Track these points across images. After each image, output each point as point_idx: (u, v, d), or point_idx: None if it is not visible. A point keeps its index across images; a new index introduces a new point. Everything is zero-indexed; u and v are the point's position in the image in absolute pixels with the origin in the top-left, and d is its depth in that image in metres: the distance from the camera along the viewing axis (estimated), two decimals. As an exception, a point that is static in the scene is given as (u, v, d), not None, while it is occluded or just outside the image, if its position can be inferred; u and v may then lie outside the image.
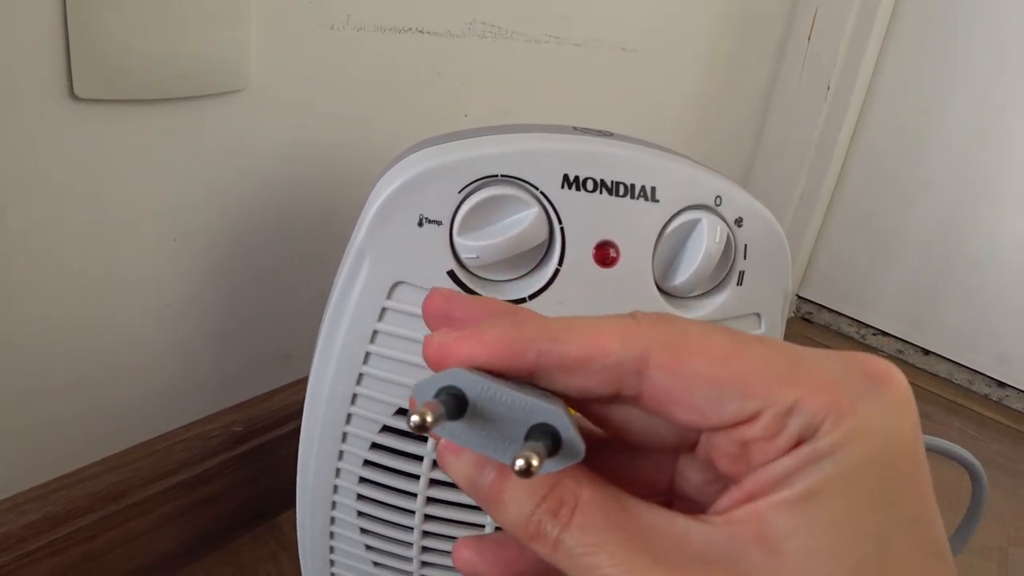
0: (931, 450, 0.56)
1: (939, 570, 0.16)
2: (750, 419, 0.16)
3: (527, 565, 0.20)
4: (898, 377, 0.17)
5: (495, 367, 0.18)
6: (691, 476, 0.20)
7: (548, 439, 0.17)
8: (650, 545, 0.16)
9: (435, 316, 0.20)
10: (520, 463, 0.16)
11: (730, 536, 0.16)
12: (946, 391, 1.05)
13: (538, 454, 0.16)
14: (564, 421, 0.17)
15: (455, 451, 0.19)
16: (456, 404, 0.18)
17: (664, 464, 0.20)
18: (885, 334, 1.11)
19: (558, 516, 0.17)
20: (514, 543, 0.20)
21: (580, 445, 0.17)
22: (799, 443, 0.16)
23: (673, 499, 0.21)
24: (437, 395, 0.18)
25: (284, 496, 0.57)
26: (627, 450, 0.20)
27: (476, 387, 0.18)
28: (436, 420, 0.17)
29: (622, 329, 0.17)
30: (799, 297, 1.18)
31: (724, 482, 0.18)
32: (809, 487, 0.16)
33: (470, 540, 0.21)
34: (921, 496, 0.16)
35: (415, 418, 0.16)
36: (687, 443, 0.19)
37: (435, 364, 0.18)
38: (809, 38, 0.94)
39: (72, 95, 0.38)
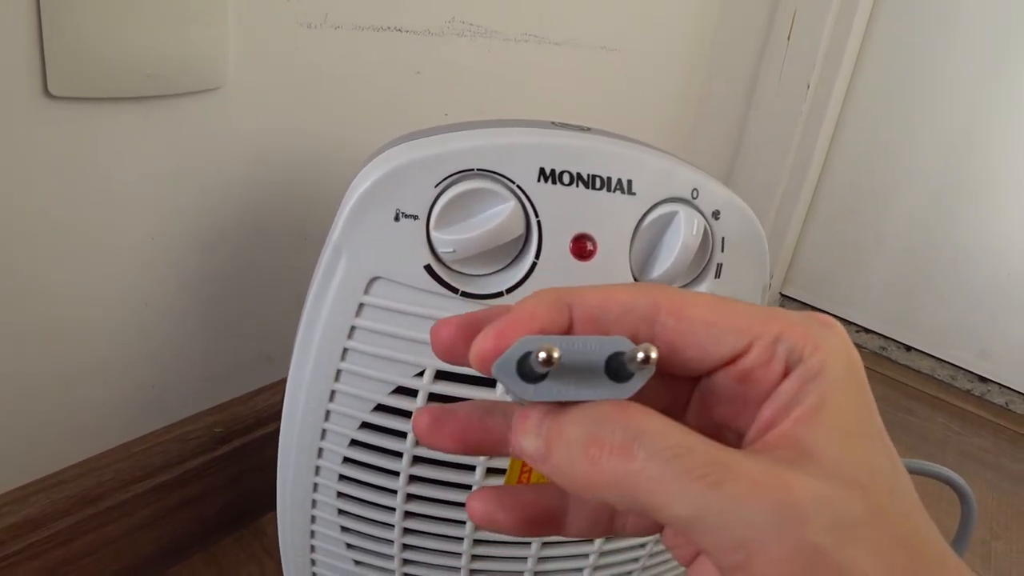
0: (924, 473, 0.56)
1: (898, 455, 0.20)
2: (745, 351, 0.20)
3: (541, 509, 0.23)
4: (839, 324, 0.21)
5: (545, 331, 0.20)
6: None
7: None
8: (724, 449, 0.18)
9: (453, 342, 0.21)
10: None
11: (774, 457, 0.19)
12: (929, 387, 1.06)
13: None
14: (629, 343, 0.19)
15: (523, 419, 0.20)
16: (535, 371, 0.19)
17: (668, 392, 0.23)
18: (868, 331, 1.12)
19: (629, 426, 0.18)
20: (528, 490, 0.23)
21: (654, 362, 0.18)
22: (787, 368, 0.20)
23: None
24: (519, 366, 0.19)
25: (266, 497, 0.56)
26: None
27: (557, 342, 0.19)
28: (558, 358, 0.18)
29: (632, 287, 0.21)
30: (782, 295, 1.18)
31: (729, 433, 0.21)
32: (816, 399, 0.19)
33: (485, 491, 0.23)
34: (872, 397, 0.20)
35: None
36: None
37: (496, 349, 0.19)
38: (789, 38, 0.95)
39: (47, 93, 0.38)
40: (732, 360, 0.20)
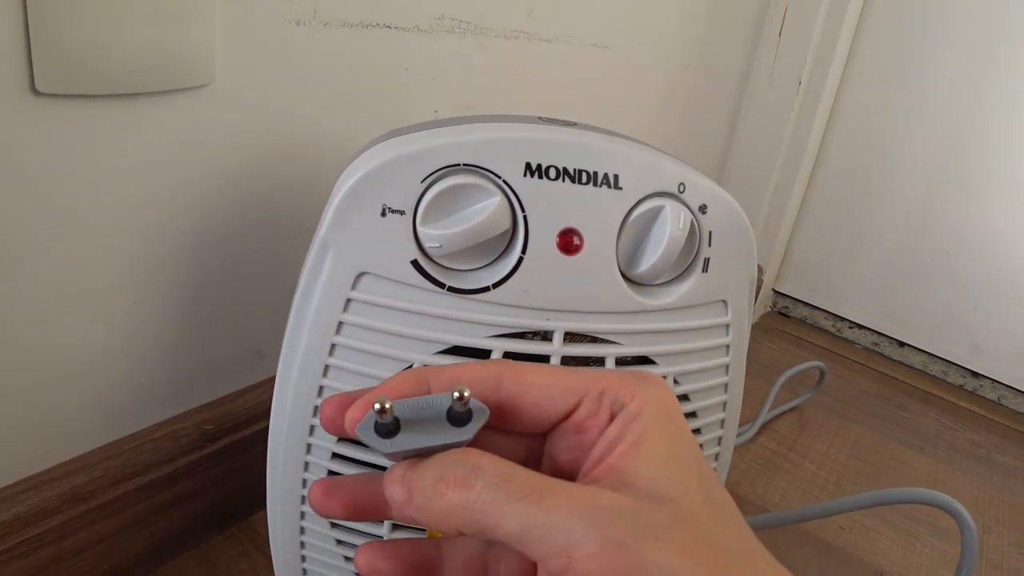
0: (923, 502, 0.56)
1: (718, 481, 0.24)
2: (576, 406, 0.24)
3: (418, 558, 0.27)
4: (658, 377, 0.26)
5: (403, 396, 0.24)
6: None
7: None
8: (548, 477, 0.22)
9: (334, 416, 0.25)
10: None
11: (596, 484, 0.22)
12: (922, 382, 1.06)
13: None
14: (469, 395, 0.23)
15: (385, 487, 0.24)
16: (389, 426, 0.23)
17: (523, 447, 0.27)
18: (861, 327, 1.12)
19: (468, 462, 0.22)
20: (406, 543, 0.27)
21: (485, 407, 0.23)
22: (612, 416, 0.24)
23: None
24: (376, 426, 0.23)
25: (257, 495, 0.56)
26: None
27: (401, 403, 0.23)
28: (390, 407, 0.22)
29: (481, 363, 0.25)
30: (775, 291, 1.19)
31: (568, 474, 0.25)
32: (635, 438, 0.23)
33: (368, 545, 0.27)
34: (691, 435, 0.24)
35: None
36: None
37: (362, 416, 0.23)
38: (780, 34, 0.95)
39: (33, 90, 0.38)
40: (567, 415, 0.24)
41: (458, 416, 0.23)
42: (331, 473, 0.38)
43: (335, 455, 0.38)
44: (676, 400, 0.25)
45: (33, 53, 0.37)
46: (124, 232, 0.45)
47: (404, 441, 0.23)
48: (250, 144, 0.49)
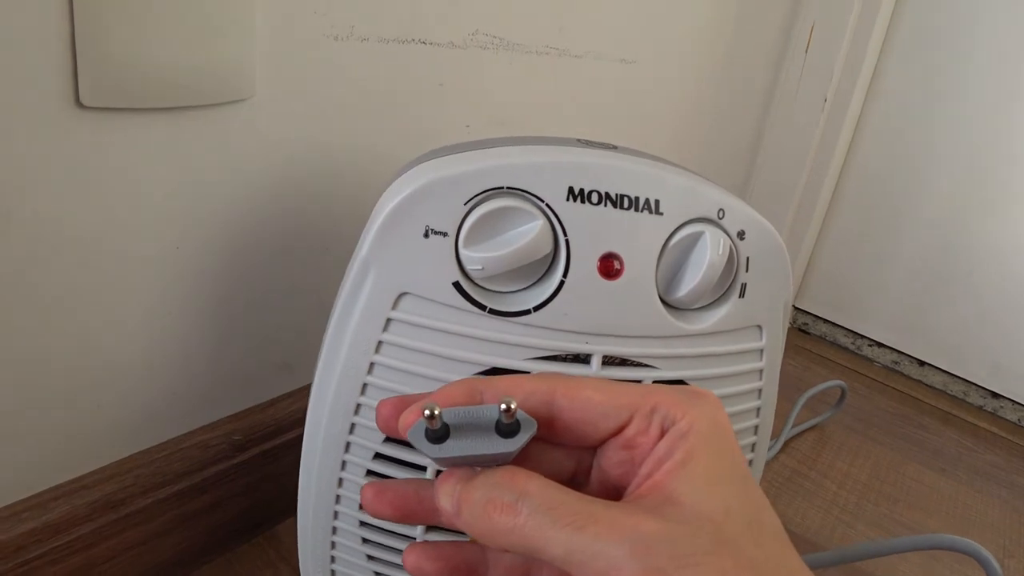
0: (947, 548, 0.55)
1: (766, 499, 0.24)
2: (627, 422, 0.25)
3: (462, 561, 0.27)
4: (710, 393, 0.26)
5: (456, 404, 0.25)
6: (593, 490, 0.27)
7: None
8: (593, 502, 0.22)
9: (389, 417, 0.26)
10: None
11: (644, 503, 0.23)
12: (941, 402, 1.05)
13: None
14: (515, 408, 0.23)
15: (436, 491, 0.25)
16: (439, 432, 0.23)
17: (573, 460, 0.27)
18: (881, 345, 1.11)
19: (515, 488, 0.23)
20: (451, 545, 0.28)
21: (533, 421, 0.24)
22: (663, 433, 0.24)
23: None
24: (426, 432, 0.23)
25: (283, 506, 0.57)
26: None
27: (451, 411, 0.24)
28: (439, 414, 0.23)
29: (535, 377, 0.25)
30: (795, 308, 1.18)
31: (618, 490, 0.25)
32: (682, 456, 0.23)
33: (416, 545, 0.27)
34: (740, 452, 0.24)
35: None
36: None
37: (412, 418, 0.24)
38: (807, 51, 0.95)
39: (78, 103, 0.38)
40: (618, 431, 0.25)
41: (506, 428, 0.23)
42: (365, 490, 0.38)
43: (370, 472, 0.38)
44: (727, 418, 0.25)
45: (79, 66, 0.37)
46: (160, 244, 0.45)
47: (452, 448, 0.23)
48: (286, 158, 0.49)
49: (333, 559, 0.42)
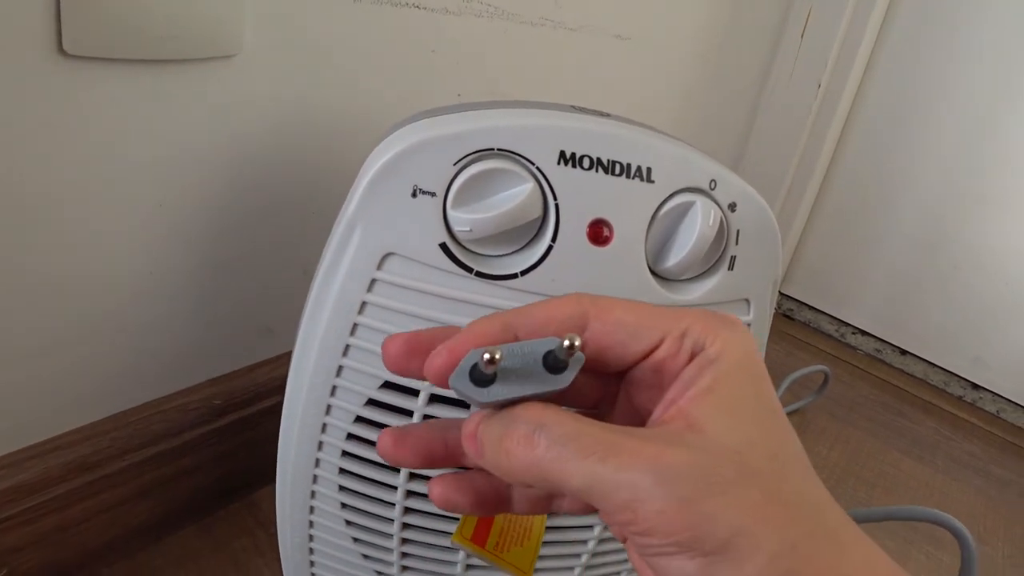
0: (925, 519, 0.56)
1: (792, 431, 0.23)
2: (657, 344, 0.24)
3: (490, 491, 0.27)
4: (740, 320, 0.25)
5: (491, 343, 0.23)
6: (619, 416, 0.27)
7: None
8: (616, 431, 0.22)
9: (399, 355, 0.25)
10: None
11: (667, 429, 0.22)
12: (922, 391, 1.06)
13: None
14: (558, 341, 0.22)
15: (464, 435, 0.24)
16: (487, 375, 0.22)
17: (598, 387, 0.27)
18: (864, 333, 1.12)
19: (538, 422, 0.22)
20: (478, 475, 0.27)
21: (580, 353, 0.22)
22: (692, 357, 0.23)
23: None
24: (471, 374, 0.22)
25: (261, 471, 0.56)
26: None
27: (505, 350, 0.22)
28: (500, 357, 0.21)
29: (565, 300, 0.25)
30: (781, 294, 1.18)
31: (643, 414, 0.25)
32: (709, 382, 0.23)
33: (443, 477, 0.27)
34: (769, 383, 0.24)
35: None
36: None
37: (448, 363, 0.23)
38: (802, 36, 0.95)
39: (61, 51, 0.37)
40: (648, 354, 0.24)
41: (555, 363, 0.23)
42: (346, 454, 0.38)
43: (350, 436, 0.38)
44: (756, 347, 0.24)
45: (62, 14, 0.36)
46: (142, 199, 0.44)
47: (500, 391, 0.22)
48: (273, 118, 0.48)
49: (312, 524, 0.41)
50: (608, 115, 0.37)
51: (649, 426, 0.24)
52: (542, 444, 0.21)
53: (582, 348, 0.22)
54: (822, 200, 1.10)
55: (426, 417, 0.36)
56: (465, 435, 0.24)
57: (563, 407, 0.23)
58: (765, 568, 0.20)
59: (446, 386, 0.23)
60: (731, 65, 0.94)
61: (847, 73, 0.96)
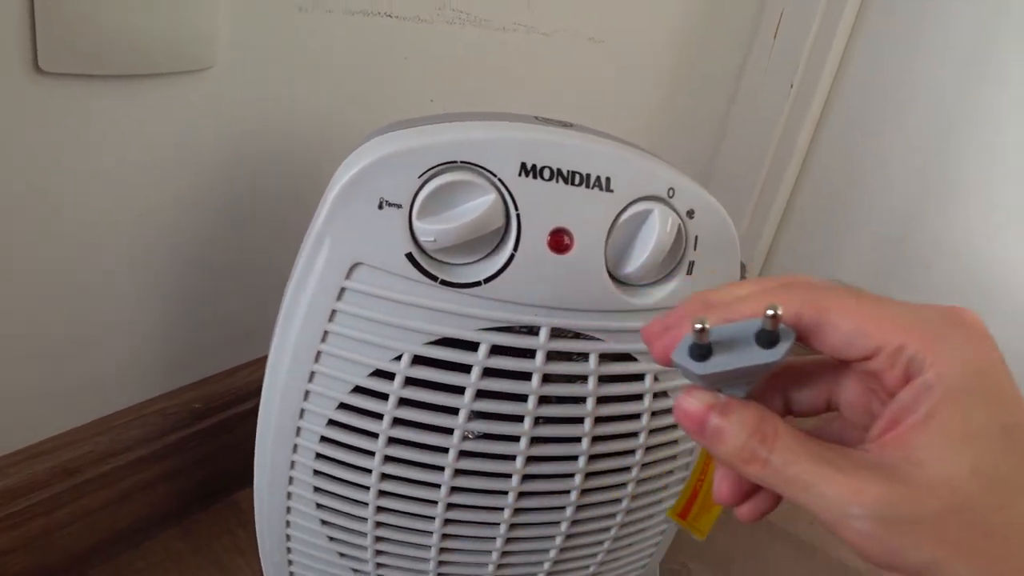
0: None
1: None
2: (873, 354, 0.24)
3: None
4: (974, 317, 0.24)
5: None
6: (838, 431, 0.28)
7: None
8: (830, 458, 0.23)
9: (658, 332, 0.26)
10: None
11: (882, 456, 0.23)
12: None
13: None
14: (781, 314, 0.23)
15: (684, 410, 0.25)
16: (703, 349, 0.24)
17: (820, 398, 0.28)
18: (840, 329, 1.13)
19: (765, 442, 0.24)
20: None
21: (790, 329, 0.24)
22: (908, 375, 0.23)
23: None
24: (690, 351, 0.24)
25: (242, 474, 0.57)
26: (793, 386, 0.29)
27: (716, 327, 0.24)
28: (707, 328, 0.23)
29: (782, 291, 0.25)
30: (759, 291, 1.20)
31: (862, 430, 0.26)
32: (927, 411, 0.22)
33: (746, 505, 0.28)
34: (1010, 398, 0.23)
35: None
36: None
37: (673, 341, 0.25)
38: (775, 36, 0.96)
39: (37, 68, 0.38)
40: (863, 359, 0.24)
41: (768, 337, 0.24)
42: (319, 456, 0.39)
43: (323, 439, 0.39)
44: (990, 355, 0.23)
45: (37, 32, 0.37)
46: (120, 211, 0.45)
47: (717, 363, 0.24)
48: (249, 128, 0.49)
49: (288, 524, 0.43)
50: (571, 125, 0.38)
51: (868, 443, 0.24)
52: (771, 464, 0.23)
53: (779, 320, 0.23)
54: (795, 200, 1.11)
55: (396, 420, 0.38)
56: (691, 414, 0.25)
57: (791, 428, 0.24)
58: None
59: (669, 363, 0.25)
60: (705, 66, 0.96)
61: (819, 73, 0.97)
